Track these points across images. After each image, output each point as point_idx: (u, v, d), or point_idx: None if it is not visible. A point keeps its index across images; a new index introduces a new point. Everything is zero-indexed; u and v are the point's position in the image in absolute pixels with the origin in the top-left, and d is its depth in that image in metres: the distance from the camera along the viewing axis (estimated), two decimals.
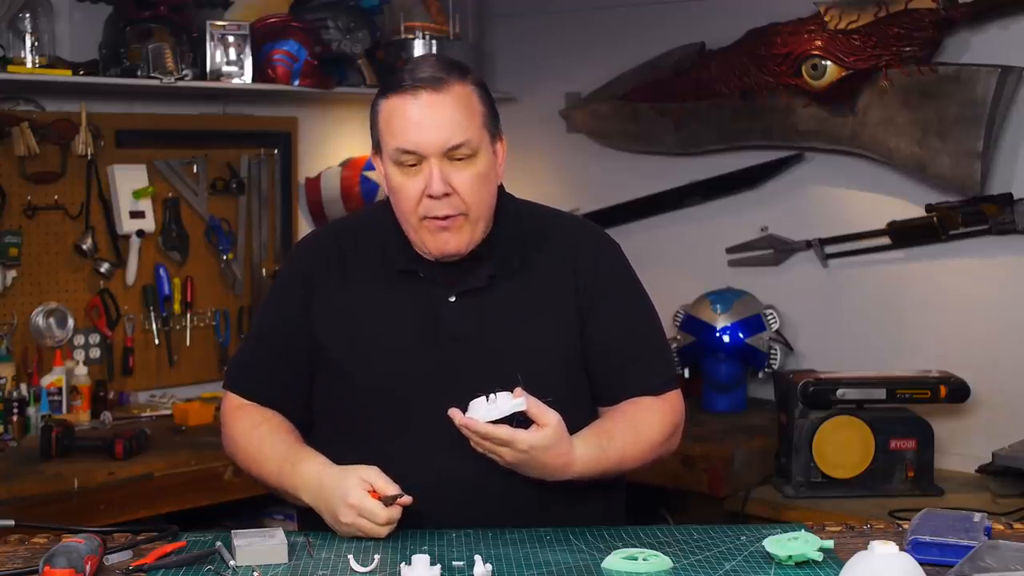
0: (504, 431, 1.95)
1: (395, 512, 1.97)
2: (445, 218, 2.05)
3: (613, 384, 2.19)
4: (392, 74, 2.12)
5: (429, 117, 2.02)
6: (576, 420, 2.07)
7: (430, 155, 2.03)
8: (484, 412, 1.96)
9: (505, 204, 2.18)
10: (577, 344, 2.17)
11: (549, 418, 1.98)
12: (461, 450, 2.00)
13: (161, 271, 3.98)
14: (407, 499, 1.97)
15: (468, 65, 2.16)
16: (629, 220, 4.32)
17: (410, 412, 2.10)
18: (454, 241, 2.08)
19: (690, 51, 4.12)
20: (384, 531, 1.97)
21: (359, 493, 1.97)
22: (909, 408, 3.46)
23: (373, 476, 1.98)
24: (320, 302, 2.17)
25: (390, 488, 1.97)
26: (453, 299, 2.13)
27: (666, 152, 4.22)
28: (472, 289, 2.13)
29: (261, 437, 2.15)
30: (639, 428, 2.15)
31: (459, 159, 2.04)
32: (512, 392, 1.97)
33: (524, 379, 1.99)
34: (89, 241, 3.79)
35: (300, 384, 2.20)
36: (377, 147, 2.12)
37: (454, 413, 1.97)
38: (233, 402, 2.23)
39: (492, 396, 1.96)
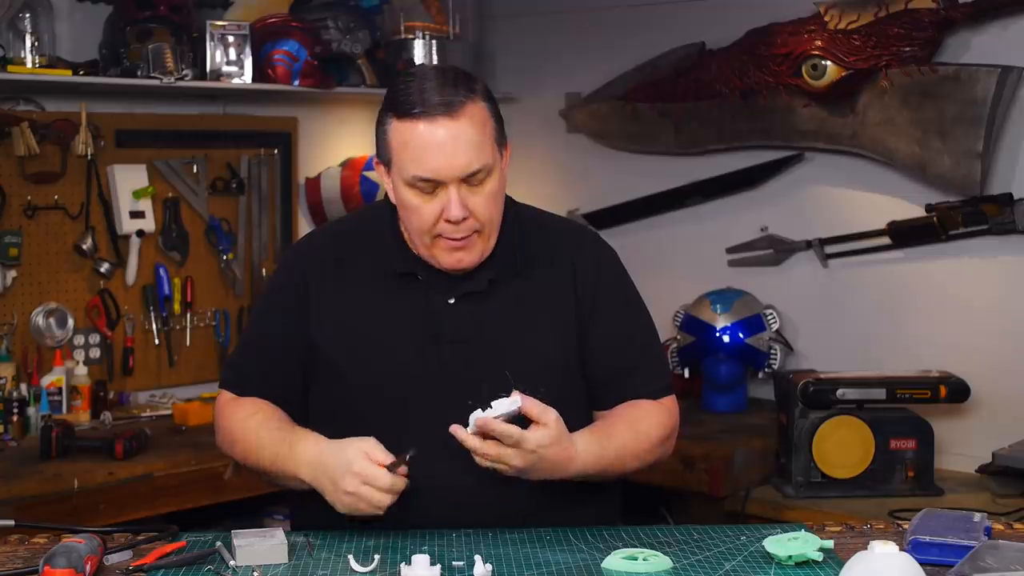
0: (516, 430, 1.95)
1: (398, 481, 1.97)
2: (461, 238, 2.06)
3: (611, 390, 2.19)
4: (398, 91, 2.06)
5: (449, 146, 2.01)
6: (573, 424, 2.07)
7: (449, 182, 2.03)
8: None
9: (505, 209, 2.18)
10: (575, 349, 2.17)
11: (549, 416, 1.98)
12: (459, 454, 2.00)
13: (161, 271, 3.98)
14: (404, 469, 1.97)
15: (470, 72, 2.14)
16: (629, 220, 4.33)
17: (409, 415, 2.10)
18: (468, 258, 2.09)
19: (690, 51, 4.12)
20: (387, 500, 1.97)
21: (362, 462, 1.97)
22: (909, 408, 3.45)
23: (371, 447, 1.99)
24: (317, 306, 2.17)
25: (388, 457, 1.98)
26: (452, 301, 2.13)
27: (666, 152, 4.22)
28: (472, 292, 2.13)
29: (257, 424, 2.15)
30: (638, 428, 2.15)
31: (476, 184, 2.04)
32: (507, 396, 1.97)
33: (523, 383, 2.00)
34: (89, 241, 3.79)
35: (296, 387, 2.20)
36: (387, 164, 2.10)
37: (456, 430, 1.97)
38: (226, 396, 2.23)
39: (489, 408, 1.96)
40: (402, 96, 2.04)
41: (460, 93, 2.03)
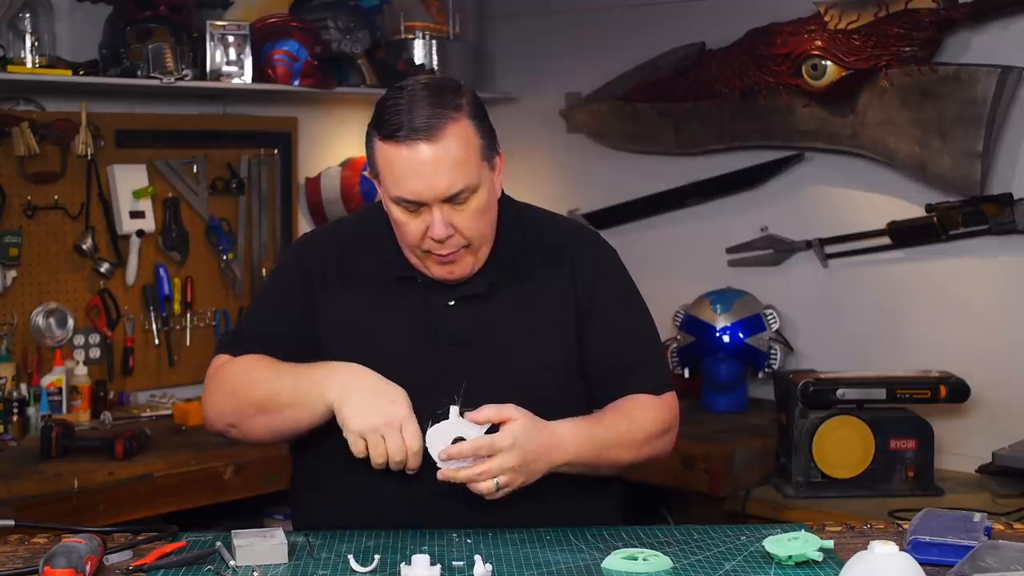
0: (484, 440, 1.96)
1: (417, 458, 1.98)
2: (448, 254, 2.07)
3: (610, 390, 2.19)
4: (385, 108, 2.05)
5: (430, 169, 2.01)
6: None
7: (432, 203, 2.03)
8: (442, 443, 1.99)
9: (505, 210, 2.18)
10: (575, 350, 2.17)
11: (508, 411, 1.99)
12: None
13: (161, 271, 3.98)
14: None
15: (460, 86, 2.11)
16: (629, 220, 4.33)
17: None
18: (458, 270, 2.10)
19: (690, 51, 4.12)
20: (401, 457, 1.97)
21: (410, 413, 1.99)
22: (909, 408, 3.45)
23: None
24: (321, 304, 2.17)
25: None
26: (452, 303, 2.14)
27: (666, 152, 4.22)
28: (471, 294, 2.14)
29: (267, 363, 2.12)
30: (632, 416, 2.15)
31: (460, 203, 2.04)
32: (451, 415, 1.98)
33: (524, 384, 2.01)
34: (89, 241, 3.79)
35: None
36: (376, 177, 2.10)
37: (444, 474, 1.97)
38: (221, 359, 2.19)
39: (434, 427, 1.98)
40: (388, 115, 2.03)
41: (445, 114, 2.01)
